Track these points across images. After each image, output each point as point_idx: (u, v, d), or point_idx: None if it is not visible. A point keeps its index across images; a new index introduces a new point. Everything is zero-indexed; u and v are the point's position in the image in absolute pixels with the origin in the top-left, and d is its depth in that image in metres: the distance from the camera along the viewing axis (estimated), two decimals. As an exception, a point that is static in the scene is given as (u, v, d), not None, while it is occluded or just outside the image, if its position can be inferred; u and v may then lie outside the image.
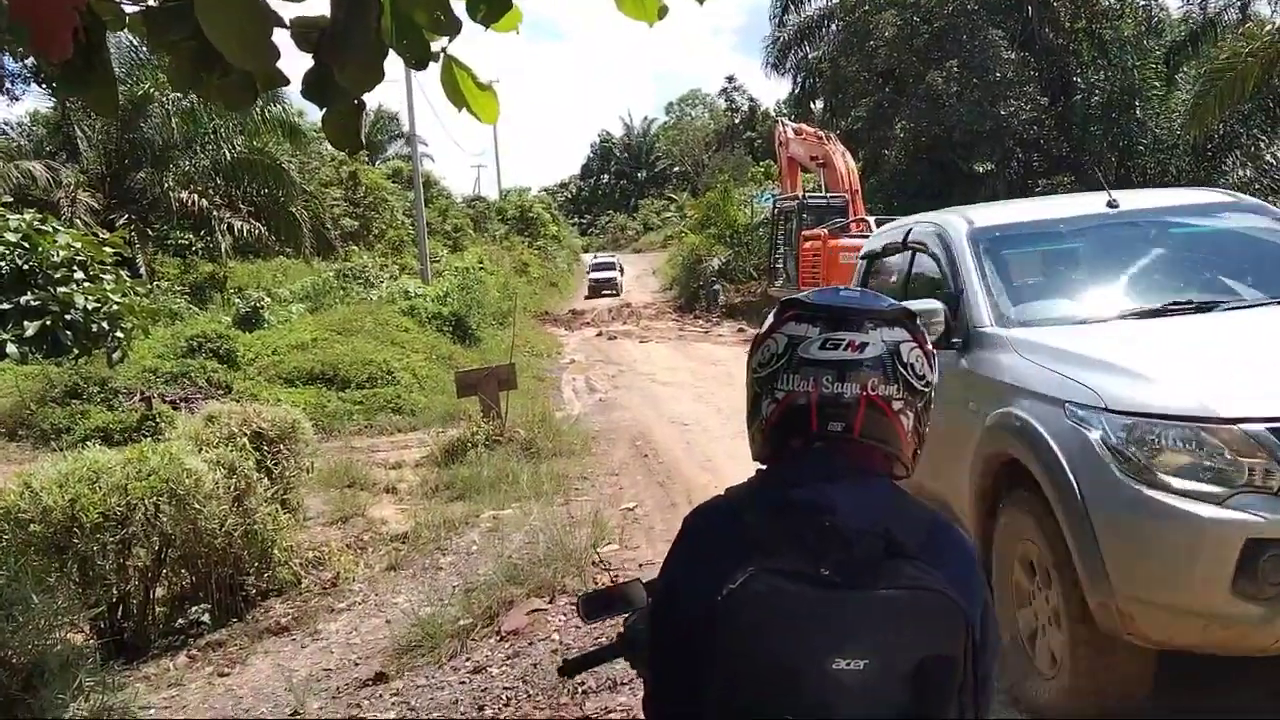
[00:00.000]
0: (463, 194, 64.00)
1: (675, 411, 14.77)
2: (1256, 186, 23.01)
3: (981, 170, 28.47)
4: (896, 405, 1.54)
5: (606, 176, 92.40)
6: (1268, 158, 23.36)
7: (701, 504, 1.61)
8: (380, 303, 23.68)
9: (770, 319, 1.63)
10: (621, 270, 50.96)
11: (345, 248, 32.43)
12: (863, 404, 1.52)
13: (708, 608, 1.38)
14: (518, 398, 13.57)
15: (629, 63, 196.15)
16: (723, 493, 1.59)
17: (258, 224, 25.54)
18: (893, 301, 1.61)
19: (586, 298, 45.19)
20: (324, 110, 2.40)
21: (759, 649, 1.37)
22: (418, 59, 2.31)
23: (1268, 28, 15.37)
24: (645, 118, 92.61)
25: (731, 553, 1.41)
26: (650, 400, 16.67)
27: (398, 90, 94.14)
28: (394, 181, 43.31)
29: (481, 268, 34.05)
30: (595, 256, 58.46)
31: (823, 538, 1.40)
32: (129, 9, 2.46)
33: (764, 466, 1.63)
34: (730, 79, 70.93)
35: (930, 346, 1.60)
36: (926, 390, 1.58)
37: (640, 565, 7.09)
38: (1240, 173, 23.32)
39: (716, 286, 33.99)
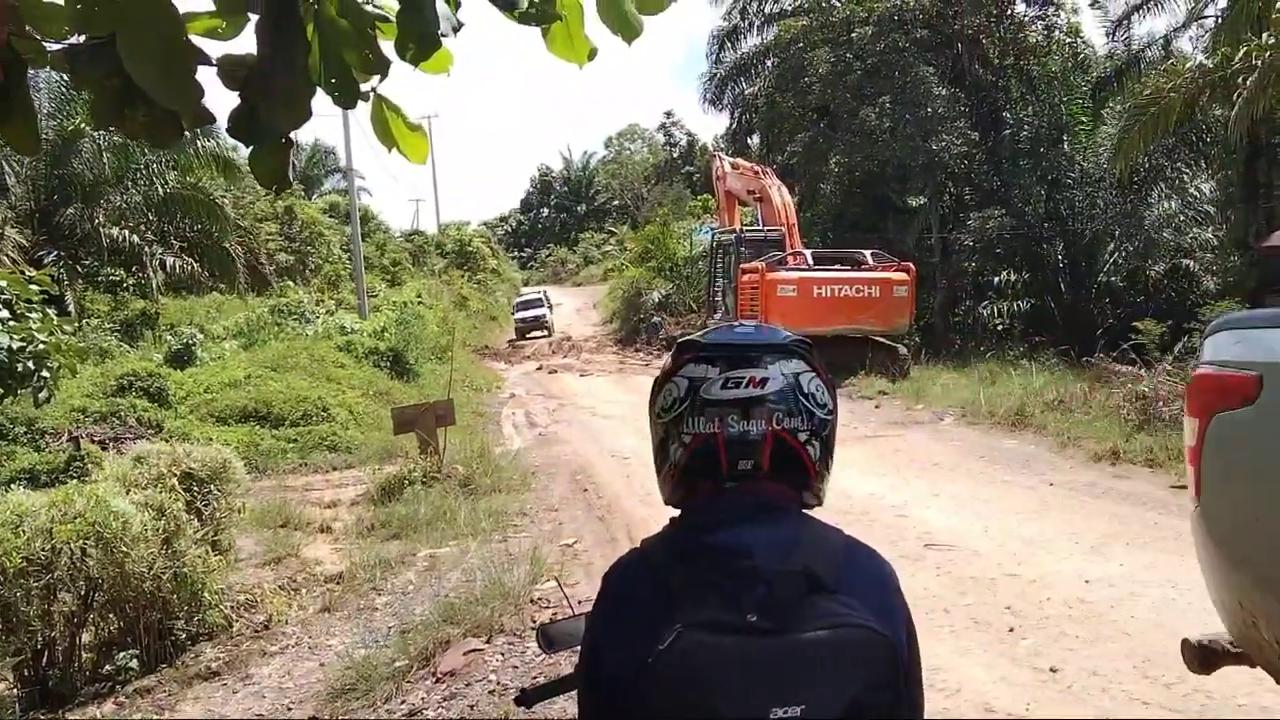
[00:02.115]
0: (401, 228, 63.69)
1: (616, 445, 14.75)
2: (1181, 218, 23.63)
3: (914, 204, 28.88)
4: (802, 436, 1.55)
5: (546, 210, 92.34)
6: (1192, 190, 23.96)
7: (618, 560, 1.60)
8: (316, 338, 23.45)
9: (669, 361, 1.62)
10: (551, 306, 45.49)
11: (280, 283, 32.04)
12: (770, 439, 1.52)
13: (636, 670, 1.36)
14: (456, 433, 13.48)
15: (568, 98, 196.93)
16: (637, 545, 1.58)
17: (191, 260, 25.18)
18: (788, 333, 1.62)
19: (511, 341, 40.80)
20: (251, 148, 2.37)
21: (692, 708, 1.35)
22: (346, 98, 2.29)
23: (1189, 64, 15.80)
24: (585, 152, 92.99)
25: (654, 610, 1.40)
26: (591, 434, 16.64)
27: (335, 124, 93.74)
28: (331, 216, 42.92)
29: (420, 302, 33.86)
30: (521, 292, 53.58)
31: (743, 583, 1.39)
32: (51, 46, 2.41)
33: (676, 512, 1.62)
34: (669, 114, 71.17)
35: (827, 374, 1.60)
36: (829, 419, 1.59)
37: (580, 602, 7.04)
38: (1165, 205, 23.91)
39: (657, 320, 34.06)
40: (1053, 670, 5.70)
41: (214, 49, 2.19)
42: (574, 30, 2.39)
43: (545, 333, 41.61)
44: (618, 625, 1.48)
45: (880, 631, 1.40)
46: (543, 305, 43.69)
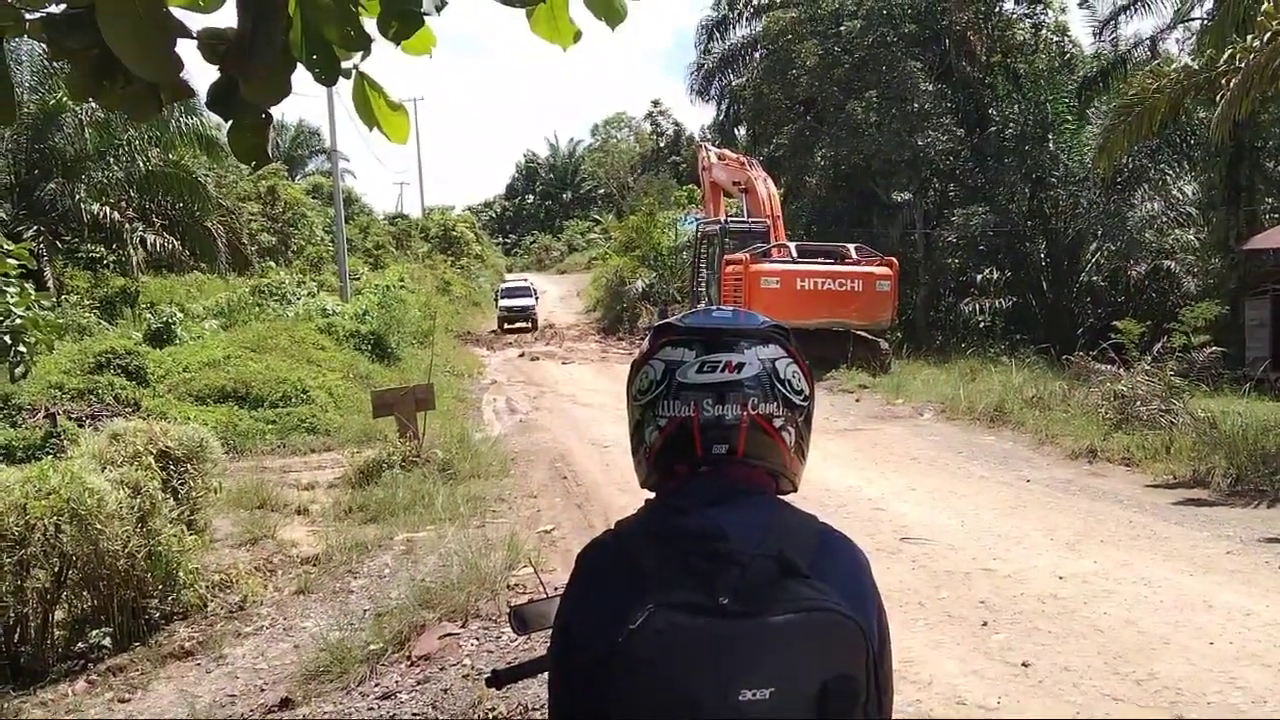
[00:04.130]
0: (385, 211, 63.55)
1: (596, 433, 14.75)
2: (1164, 219, 23.76)
3: (899, 199, 28.94)
4: (778, 422, 1.55)
5: (532, 197, 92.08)
6: (1175, 192, 24.09)
7: (592, 541, 1.60)
8: (297, 320, 23.30)
9: (645, 344, 1.62)
10: (538, 297, 42.02)
11: (262, 264, 31.87)
12: (745, 424, 1.52)
13: (608, 649, 1.36)
14: (436, 418, 13.45)
15: (555, 84, 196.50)
16: (612, 526, 1.57)
17: (172, 238, 25.02)
18: (765, 318, 1.62)
19: (493, 332, 37.94)
20: (229, 123, 2.35)
21: (662, 688, 1.35)
22: (327, 74, 2.27)
23: (1175, 65, 15.83)
24: (571, 139, 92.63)
25: (627, 590, 1.39)
26: (571, 422, 16.64)
27: (320, 105, 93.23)
28: (314, 197, 42.72)
29: (403, 286, 33.69)
30: (506, 279, 51.36)
31: (716, 565, 1.39)
32: (29, 15, 2.38)
33: (651, 494, 1.62)
34: (656, 103, 70.82)
35: (804, 361, 1.60)
36: (805, 405, 1.59)
37: (555, 588, 7.03)
38: (1148, 206, 24.03)
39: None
40: (1025, 665, 5.73)
41: (194, 22, 2.17)
42: (558, 12, 2.38)
43: (530, 325, 38.48)
44: (590, 605, 1.48)
45: (852, 616, 1.40)
46: (530, 295, 40.59)
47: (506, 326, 38.59)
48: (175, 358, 17.89)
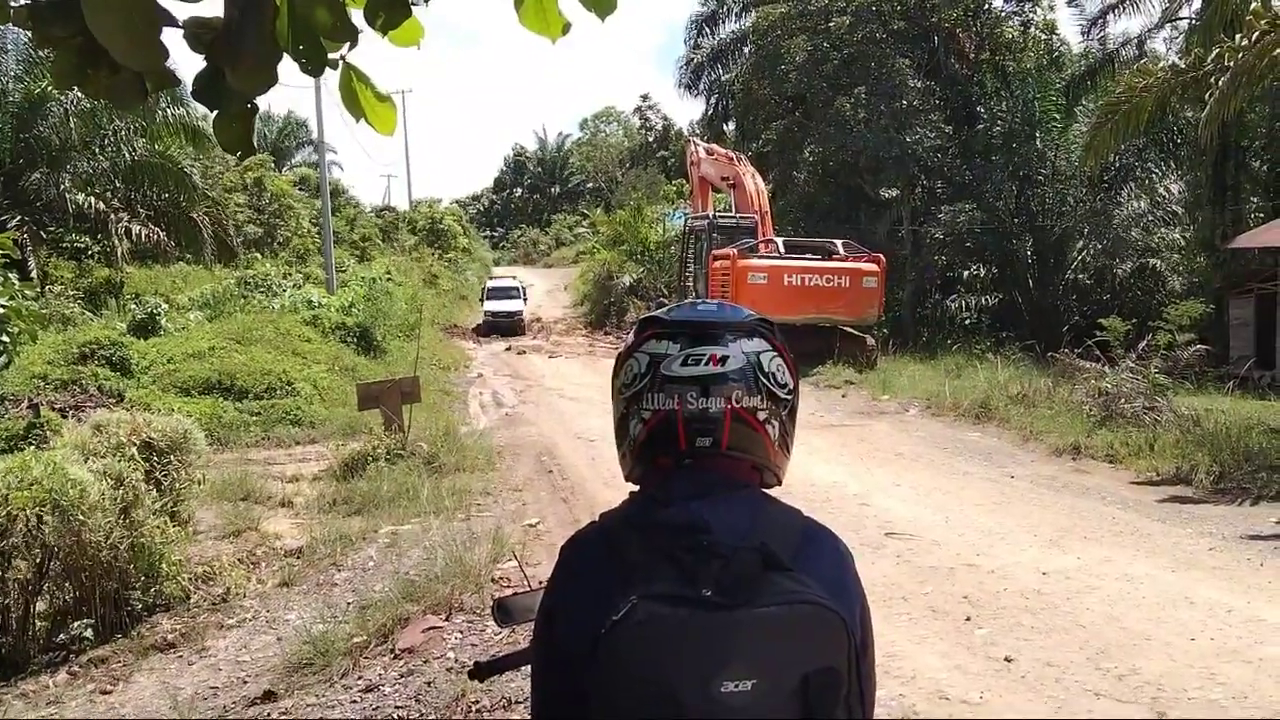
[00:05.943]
0: (372, 203, 63.23)
1: (582, 427, 14.75)
2: (1150, 218, 23.84)
3: (887, 196, 28.96)
4: (761, 415, 1.55)
5: (520, 190, 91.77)
6: (1161, 190, 24.17)
7: (576, 533, 1.60)
8: (282, 312, 23.23)
9: (630, 337, 1.62)
10: (527, 297, 37.81)
11: (248, 255, 31.71)
12: (728, 417, 1.53)
13: (591, 640, 1.36)
14: (421, 411, 13.42)
15: (544, 77, 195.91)
16: (596, 519, 1.57)
17: (157, 229, 24.83)
18: (750, 312, 1.62)
19: (478, 330, 34.82)
20: (215, 112, 2.34)
21: (644, 678, 1.35)
22: (314, 65, 2.26)
23: (1162, 64, 15.90)
24: (560, 133, 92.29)
25: (610, 582, 1.39)
26: (557, 415, 16.63)
27: (307, 96, 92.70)
28: (301, 189, 42.45)
29: (389, 278, 33.56)
30: (493, 273, 48.82)
31: (699, 558, 1.39)
32: (14, 3, 2.37)
33: (636, 487, 1.62)
34: (645, 97, 70.63)
35: (789, 355, 1.60)
36: (789, 398, 1.60)
37: (540, 583, 7.02)
38: (1134, 204, 24.10)
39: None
40: (1007, 660, 5.76)
41: (180, 10, 2.16)
42: (547, 3, 2.37)
43: (517, 326, 34.41)
44: (573, 596, 1.48)
45: (834, 608, 1.40)
46: (518, 296, 36.46)
47: (490, 329, 34.51)
48: (160, 349, 17.82)
